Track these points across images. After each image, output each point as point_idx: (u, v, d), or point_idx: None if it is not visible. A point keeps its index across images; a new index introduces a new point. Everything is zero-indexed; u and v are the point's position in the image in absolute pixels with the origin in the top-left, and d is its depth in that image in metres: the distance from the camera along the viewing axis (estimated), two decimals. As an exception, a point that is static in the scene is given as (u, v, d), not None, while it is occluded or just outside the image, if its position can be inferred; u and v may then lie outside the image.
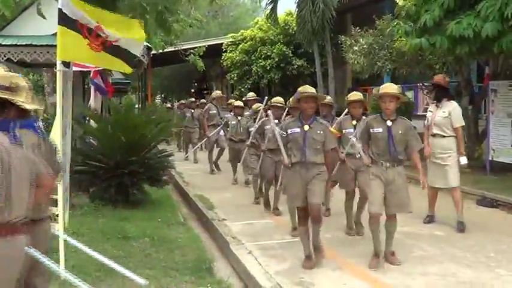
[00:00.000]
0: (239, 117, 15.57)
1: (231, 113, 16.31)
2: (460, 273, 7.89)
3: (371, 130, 8.21)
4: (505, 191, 13.02)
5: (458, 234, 9.78)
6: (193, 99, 24.39)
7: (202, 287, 7.08)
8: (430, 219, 10.80)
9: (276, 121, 10.27)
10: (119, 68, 8.36)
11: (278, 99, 11.82)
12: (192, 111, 23.04)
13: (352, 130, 9.81)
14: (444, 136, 10.44)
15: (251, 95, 17.10)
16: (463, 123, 10.93)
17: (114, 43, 7.87)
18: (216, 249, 9.48)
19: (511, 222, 11.10)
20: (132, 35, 8.07)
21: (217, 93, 21.74)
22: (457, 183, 10.47)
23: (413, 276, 7.67)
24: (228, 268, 8.43)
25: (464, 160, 10.41)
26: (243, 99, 18.01)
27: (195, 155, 21.69)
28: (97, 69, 12.72)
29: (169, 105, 37.81)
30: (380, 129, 8.08)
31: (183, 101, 28.14)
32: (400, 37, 14.97)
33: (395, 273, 7.73)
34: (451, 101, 10.72)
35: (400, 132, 8.01)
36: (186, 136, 23.30)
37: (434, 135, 10.57)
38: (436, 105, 10.73)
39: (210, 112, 19.34)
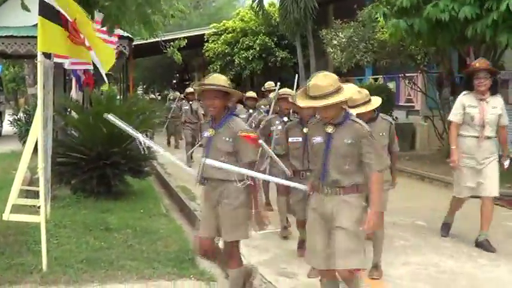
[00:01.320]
0: (251, 110, 13.55)
1: (239, 106, 13.57)
2: (442, 263, 7.93)
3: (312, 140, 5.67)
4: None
5: (439, 223, 9.80)
6: (190, 90, 19.49)
7: (185, 278, 7.07)
8: (446, 228, 9.48)
9: (285, 118, 9.37)
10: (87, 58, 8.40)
11: (286, 91, 9.78)
12: (191, 103, 19.03)
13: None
14: (491, 137, 8.84)
15: (270, 84, 14.25)
16: None
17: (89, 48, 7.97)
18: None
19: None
20: (101, 56, 8.15)
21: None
22: (498, 192, 9.04)
23: (395, 266, 7.69)
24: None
25: (507, 163, 9.07)
26: (262, 89, 15.33)
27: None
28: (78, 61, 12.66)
29: (152, 96, 37.56)
30: (319, 138, 5.55)
31: (181, 95, 23.71)
32: (377, 19, 14.98)
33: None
34: (497, 94, 9.00)
35: (345, 141, 5.39)
36: (186, 134, 19.09)
37: (488, 137, 8.75)
38: (481, 99, 8.75)
39: None
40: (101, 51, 8.37)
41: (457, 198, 9.11)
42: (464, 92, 8.94)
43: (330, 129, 5.41)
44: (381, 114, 7.41)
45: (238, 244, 6.35)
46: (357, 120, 5.49)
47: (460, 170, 8.85)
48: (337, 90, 5.27)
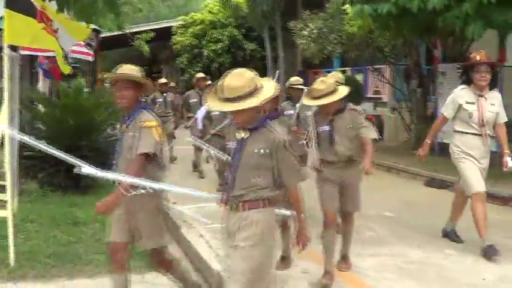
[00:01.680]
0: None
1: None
2: (409, 254, 8.00)
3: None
4: (453, 172, 13.12)
5: (407, 214, 9.82)
6: (164, 81, 17.85)
7: (153, 271, 7.04)
8: (446, 233, 8.97)
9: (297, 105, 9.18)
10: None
11: (298, 80, 10.00)
12: (165, 95, 17.20)
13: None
14: (491, 136, 8.47)
15: (295, 80, 10.70)
16: None
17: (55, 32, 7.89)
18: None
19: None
20: (72, 32, 8.08)
21: (200, 75, 16.14)
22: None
23: (363, 257, 7.73)
24: (180, 252, 8.41)
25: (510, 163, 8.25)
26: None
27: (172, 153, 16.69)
28: (46, 54, 12.57)
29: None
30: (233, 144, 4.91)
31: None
32: (345, 11, 14.99)
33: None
34: (494, 89, 8.52)
35: (256, 151, 4.71)
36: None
37: (489, 136, 8.42)
38: (480, 95, 8.28)
39: (191, 101, 15.30)
40: (72, 26, 8.31)
41: (475, 194, 8.25)
42: (461, 86, 8.44)
43: (242, 135, 4.76)
44: (350, 104, 7.11)
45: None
46: (274, 127, 4.78)
47: (466, 166, 8.41)
48: (254, 92, 4.58)
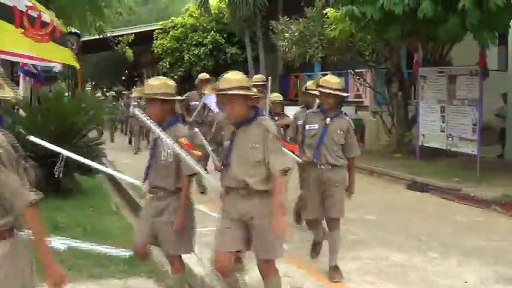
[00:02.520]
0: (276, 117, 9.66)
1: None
2: (392, 257, 8.01)
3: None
4: (435, 176, 13.27)
5: (389, 218, 9.87)
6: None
7: (136, 276, 7.03)
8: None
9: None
10: (68, 59, 8.27)
11: (312, 86, 8.98)
12: None
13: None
14: None
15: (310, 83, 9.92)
16: None
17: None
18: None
19: (441, 206, 11.33)
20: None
21: (204, 75, 14.11)
22: None
23: (345, 261, 7.72)
24: (162, 256, 8.37)
25: None
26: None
27: None
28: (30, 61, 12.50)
29: (99, 94, 36.87)
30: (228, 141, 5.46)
31: None
32: (326, 15, 14.97)
33: (327, 259, 7.74)
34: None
35: (249, 145, 5.25)
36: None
37: None
38: None
39: (191, 103, 13.27)
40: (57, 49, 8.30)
41: None
42: None
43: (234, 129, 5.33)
44: (343, 110, 7.28)
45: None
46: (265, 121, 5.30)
47: None
48: (245, 88, 5.24)
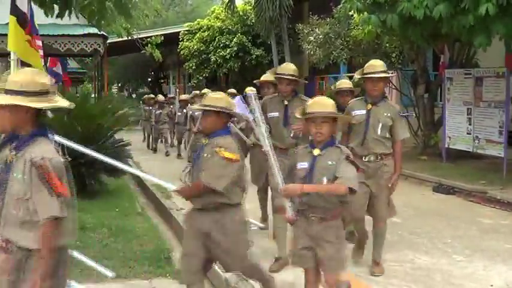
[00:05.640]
0: None
1: None
2: (417, 260, 7.98)
3: None
4: (460, 178, 13.19)
5: (414, 220, 9.83)
6: (185, 97, 19.60)
7: (161, 277, 7.06)
8: None
9: None
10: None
11: (347, 84, 9.30)
12: (185, 110, 17.76)
13: None
14: None
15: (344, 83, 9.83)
16: None
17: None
18: (174, 239, 9.43)
19: (467, 209, 11.25)
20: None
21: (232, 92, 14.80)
22: None
23: (370, 263, 7.71)
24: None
25: None
26: (333, 87, 11.16)
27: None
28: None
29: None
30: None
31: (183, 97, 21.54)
32: (352, 16, 14.93)
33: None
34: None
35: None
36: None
37: None
38: None
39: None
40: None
41: None
42: None
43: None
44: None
45: None
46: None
47: None
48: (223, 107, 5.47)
